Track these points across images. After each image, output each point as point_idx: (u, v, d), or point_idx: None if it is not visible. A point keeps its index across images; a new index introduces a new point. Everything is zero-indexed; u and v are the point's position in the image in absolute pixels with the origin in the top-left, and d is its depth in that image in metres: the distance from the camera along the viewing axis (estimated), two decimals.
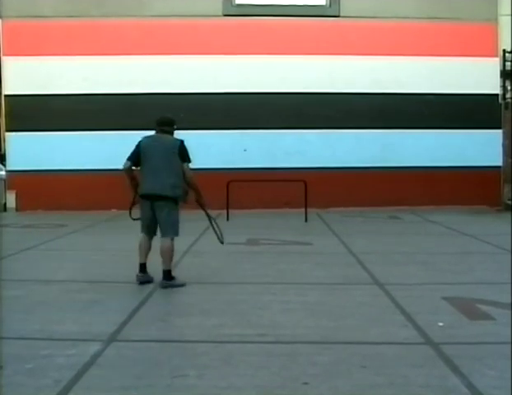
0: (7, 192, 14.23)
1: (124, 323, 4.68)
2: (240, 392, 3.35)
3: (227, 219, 12.06)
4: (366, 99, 14.11)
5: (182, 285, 5.97)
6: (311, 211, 12.25)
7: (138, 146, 6.20)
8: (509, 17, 13.67)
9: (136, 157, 6.16)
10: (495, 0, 14.32)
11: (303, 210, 11.88)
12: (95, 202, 13.53)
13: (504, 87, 14.47)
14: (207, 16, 14.05)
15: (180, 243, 8.87)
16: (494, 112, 14.26)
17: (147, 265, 6.20)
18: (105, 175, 13.77)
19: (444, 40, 14.17)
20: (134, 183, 6.25)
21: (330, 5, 14.36)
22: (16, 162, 14.06)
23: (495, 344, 4.11)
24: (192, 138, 14.35)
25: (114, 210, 13.54)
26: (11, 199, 14.15)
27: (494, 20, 14.29)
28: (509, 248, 7.81)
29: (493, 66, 14.31)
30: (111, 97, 13.93)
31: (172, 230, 6.14)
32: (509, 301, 5.12)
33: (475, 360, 3.80)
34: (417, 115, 14.22)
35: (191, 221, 11.99)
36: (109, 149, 13.96)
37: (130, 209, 6.50)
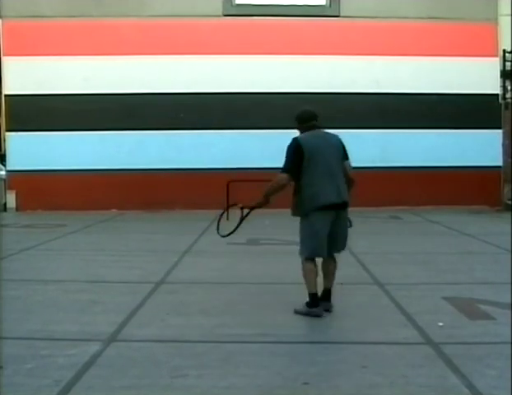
0: (7, 192, 14.22)
1: (124, 323, 4.68)
2: (240, 392, 3.35)
3: (227, 219, 12.03)
4: (366, 99, 14.10)
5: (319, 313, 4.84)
6: None
7: (298, 150, 4.82)
8: (509, 17, 13.66)
9: (297, 166, 4.80)
10: (495, 0, 14.31)
11: None
12: (95, 202, 13.53)
13: (504, 87, 14.46)
14: (207, 16, 14.05)
15: (180, 243, 8.92)
16: (494, 112, 14.25)
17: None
18: (105, 175, 13.79)
19: (444, 40, 14.16)
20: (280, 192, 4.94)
21: (330, 5, 14.36)
22: (16, 162, 14.05)
23: (495, 344, 4.10)
24: (192, 138, 14.60)
25: (113, 210, 13.56)
26: (11, 199, 14.14)
27: (494, 20, 14.28)
28: (510, 248, 7.80)
29: (493, 66, 14.30)
30: (111, 97, 13.92)
31: (345, 244, 5.14)
32: (509, 301, 5.12)
33: (475, 360, 3.80)
34: (417, 115, 14.21)
35: (191, 221, 12.05)
36: (109, 149, 13.98)
37: (219, 221, 5.62)
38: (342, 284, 5.38)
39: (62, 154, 13.98)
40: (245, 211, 5.52)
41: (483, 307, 5.10)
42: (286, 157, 4.85)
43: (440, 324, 4.58)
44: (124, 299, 5.49)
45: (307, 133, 4.99)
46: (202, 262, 7.49)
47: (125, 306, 5.17)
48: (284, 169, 4.82)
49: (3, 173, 14.58)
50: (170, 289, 5.94)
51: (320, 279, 5.01)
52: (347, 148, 5.34)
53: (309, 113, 5.21)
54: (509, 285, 5.63)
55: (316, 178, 4.77)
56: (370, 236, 9.78)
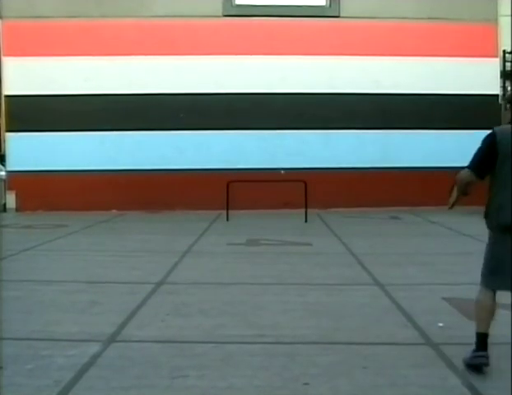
0: (7, 192, 14.23)
1: (124, 324, 4.67)
2: (240, 392, 3.35)
3: (227, 219, 12.07)
4: (366, 99, 14.10)
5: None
6: (311, 211, 12.24)
7: (490, 145, 3.70)
8: (509, 17, 13.65)
9: (485, 165, 3.72)
10: (495, 0, 14.31)
11: (303, 210, 11.87)
12: (95, 203, 13.52)
13: (504, 87, 14.46)
14: (207, 17, 14.05)
15: (180, 243, 8.92)
16: (494, 112, 14.24)
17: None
18: (105, 175, 13.79)
19: (444, 41, 14.17)
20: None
21: (330, 5, 14.36)
22: (15, 162, 14.05)
23: (495, 344, 4.10)
24: (192, 138, 14.59)
25: (113, 210, 13.56)
26: (11, 199, 14.14)
27: (494, 20, 14.29)
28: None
29: (493, 66, 14.31)
30: (111, 97, 13.92)
31: None
32: (510, 301, 5.12)
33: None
34: (417, 115, 14.22)
35: (191, 222, 12.05)
36: (109, 149, 13.98)
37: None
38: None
39: (63, 154, 13.98)
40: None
41: None
42: (476, 150, 3.79)
43: (440, 325, 4.58)
44: (124, 299, 5.48)
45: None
46: (202, 262, 7.49)
47: (125, 307, 5.16)
48: (469, 164, 3.78)
49: (3, 173, 14.57)
50: (170, 289, 5.93)
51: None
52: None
53: None
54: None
55: (504, 187, 3.65)
56: (370, 236, 9.79)
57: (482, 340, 3.71)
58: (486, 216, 3.81)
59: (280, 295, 5.70)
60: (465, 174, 3.78)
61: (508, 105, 3.73)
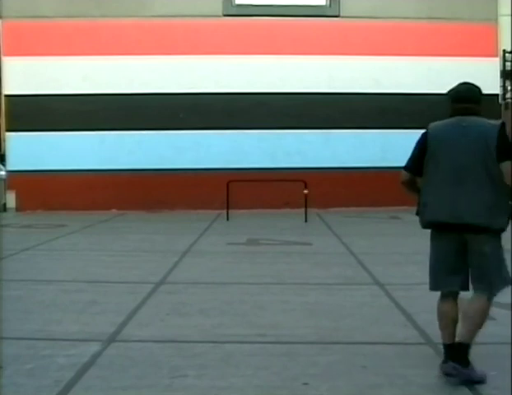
0: (7, 192, 14.23)
1: (124, 324, 4.68)
2: (240, 392, 3.35)
3: (227, 219, 12.07)
4: (366, 99, 14.10)
5: (481, 380, 3.42)
6: (311, 211, 12.25)
7: (422, 141, 3.67)
8: (509, 17, 13.66)
9: (418, 161, 3.64)
10: (495, 0, 14.31)
11: (303, 210, 11.87)
12: (95, 202, 13.53)
13: (504, 87, 14.47)
14: (207, 16, 14.05)
15: (180, 243, 8.92)
16: (494, 112, 14.24)
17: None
18: (105, 175, 13.79)
19: (443, 40, 14.17)
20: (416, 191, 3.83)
21: (330, 5, 14.36)
22: (15, 162, 14.06)
23: (495, 344, 4.10)
24: (192, 138, 14.60)
25: (113, 210, 13.56)
26: (10, 199, 14.15)
27: (494, 20, 14.28)
28: (509, 248, 7.80)
29: (493, 66, 14.31)
30: (111, 97, 13.93)
31: (500, 282, 3.52)
32: (509, 301, 5.12)
33: (475, 360, 3.79)
34: (417, 115, 14.19)
35: (191, 222, 12.05)
36: (109, 149, 13.99)
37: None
38: None
39: (62, 154, 13.98)
40: None
41: None
42: (413, 148, 3.77)
43: None
44: (124, 299, 5.48)
45: (446, 120, 3.62)
46: (201, 262, 7.49)
47: (125, 306, 5.17)
48: (405, 163, 3.76)
49: (3, 173, 14.58)
50: (170, 289, 5.94)
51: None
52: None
53: (463, 91, 3.60)
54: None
55: (432, 183, 3.57)
56: (370, 236, 9.79)
57: (447, 350, 3.51)
58: (417, 213, 3.74)
59: (280, 294, 5.70)
60: (401, 174, 3.77)
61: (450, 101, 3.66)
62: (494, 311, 4.92)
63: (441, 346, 3.63)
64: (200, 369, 3.65)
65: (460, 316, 3.53)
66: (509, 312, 4.81)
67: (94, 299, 5.46)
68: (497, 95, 14.36)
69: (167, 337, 4.38)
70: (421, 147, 3.64)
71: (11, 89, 14.06)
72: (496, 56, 14.33)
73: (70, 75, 14.00)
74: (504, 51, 14.25)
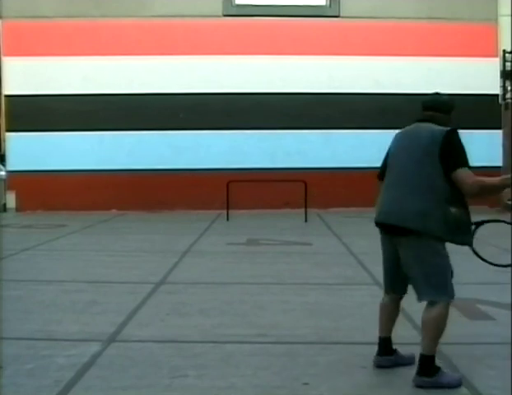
0: (7, 192, 14.23)
1: (124, 324, 4.67)
2: (240, 392, 3.35)
3: (227, 219, 12.07)
4: (366, 99, 14.11)
5: (457, 384, 3.39)
6: (311, 211, 12.25)
7: (388, 149, 3.84)
8: (509, 17, 13.66)
9: (382, 167, 3.83)
10: (495, 0, 14.32)
11: (303, 210, 11.88)
12: (95, 202, 13.54)
13: (504, 87, 14.47)
14: (207, 17, 14.06)
15: (180, 243, 8.93)
16: (494, 112, 14.26)
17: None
18: (105, 175, 13.80)
19: (444, 41, 14.18)
20: None
21: (330, 5, 14.37)
22: (15, 162, 14.07)
23: (495, 344, 4.10)
24: (192, 138, 14.60)
25: (113, 210, 13.57)
26: (10, 199, 14.16)
27: (494, 20, 14.30)
28: (509, 248, 7.79)
29: (493, 66, 14.31)
30: (111, 97, 13.94)
31: (430, 289, 3.44)
32: (509, 301, 5.12)
33: (475, 360, 3.80)
34: (417, 115, 14.21)
35: (191, 222, 12.05)
36: (109, 149, 13.99)
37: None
38: None
39: (62, 154, 13.99)
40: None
41: (483, 307, 5.10)
42: None
43: None
44: (124, 299, 5.48)
45: (407, 127, 3.72)
46: (201, 262, 7.49)
47: (125, 306, 5.16)
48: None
49: (3, 173, 14.59)
50: (170, 289, 5.94)
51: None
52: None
53: (428, 100, 3.67)
54: (509, 286, 5.63)
55: (383, 188, 3.71)
56: (370, 236, 9.75)
57: (380, 344, 3.68)
58: None
59: (280, 294, 5.70)
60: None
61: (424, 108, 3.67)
62: (494, 311, 4.94)
63: (441, 347, 3.63)
64: (200, 369, 3.65)
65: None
66: (509, 312, 4.81)
67: (94, 299, 5.46)
68: (497, 95, 14.37)
69: (167, 337, 4.38)
70: (386, 154, 3.80)
71: (11, 89, 14.07)
72: (496, 56, 14.33)
73: (70, 75, 14.01)
74: (504, 51, 14.25)
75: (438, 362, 3.50)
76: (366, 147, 14.17)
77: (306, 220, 11.73)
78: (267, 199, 13.52)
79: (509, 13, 13.68)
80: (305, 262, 7.35)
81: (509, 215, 11.76)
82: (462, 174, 3.31)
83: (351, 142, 14.20)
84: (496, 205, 14.06)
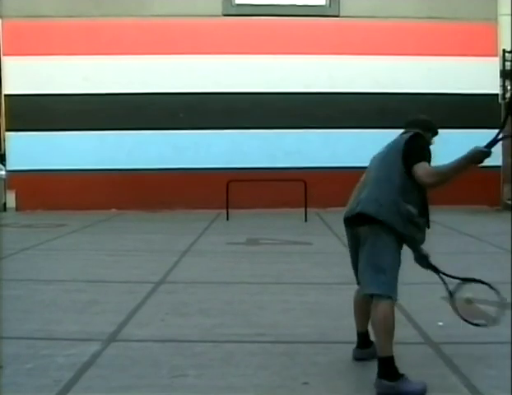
0: (7, 191, 14.23)
1: (124, 323, 4.68)
2: (240, 391, 3.35)
3: (227, 219, 12.07)
4: (366, 99, 14.10)
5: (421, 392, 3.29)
6: (311, 210, 12.25)
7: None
8: (509, 17, 13.67)
9: None
10: (495, 0, 14.32)
11: (303, 210, 11.88)
12: (95, 202, 13.53)
13: (504, 87, 14.46)
14: (206, 16, 14.05)
15: (180, 243, 8.93)
16: (494, 112, 14.25)
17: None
18: (105, 175, 13.80)
19: (443, 40, 14.17)
20: None
21: (330, 5, 14.37)
22: (15, 162, 14.06)
23: (495, 344, 4.10)
24: (192, 138, 14.60)
25: (113, 210, 13.56)
26: (10, 199, 14.15)
27: (494, 20, 14.29)
28: (509, 248, 7.80)
29: (493, 66, 14.31)
30: (111, 97, 13.93)
31: (373, 281, 3.45)
32: (509, 301, 5.12)
33: (475, 360, 3.80)
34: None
35: (191, 221, 12.05)
36: (109, 148, 13.99)
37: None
38: None
39: (62, 154, 13.98)
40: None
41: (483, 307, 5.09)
42: None
43: (440, 324, 4.58)
44: (124, 299, 5.48)
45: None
46: (201, 262, 7.49)
47: (125, 306, 5.16)
48: None
49: (3, 173, 14.58)
50: (170, 289, 5.94)
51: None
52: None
53: (409, 119, 4.08)
54: (509, 285, 5.63)
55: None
56: None
57: (358, 337, 3.82)
58: None
59: (279, 294, 5.70)
60: None
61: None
62: (493, 311, 4.93)
63: (441, 346, 3.65)
64: (200, 369, 3.65)
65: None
66: (509, 312, 4.81)
67: (94, 298, 5.46)
68: (497, 94, 14.37)
69: (167, 337, 4.38)
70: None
71: (11, 89, 14.06)
72: (496, 56, 14.32)
73: (70, 75, 14.00)
74: (504, 51, 14.25)
75: (438, 362, 3.50)
76: (366, 147, 14.09)
77: (306, 220, 11.73)
78: (266, 199, 13.51)
79: (509, 13, 13.68)
80: (305, 262, 7.35)
81: (509, 215, 11.77)
82: (417, 167, 3.42)
83: (351, 142, 14.19)
84: (496, 204, 14.08)
